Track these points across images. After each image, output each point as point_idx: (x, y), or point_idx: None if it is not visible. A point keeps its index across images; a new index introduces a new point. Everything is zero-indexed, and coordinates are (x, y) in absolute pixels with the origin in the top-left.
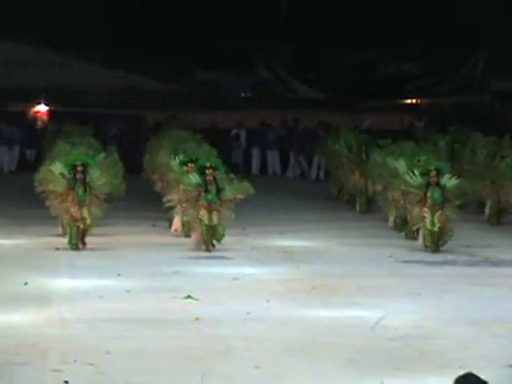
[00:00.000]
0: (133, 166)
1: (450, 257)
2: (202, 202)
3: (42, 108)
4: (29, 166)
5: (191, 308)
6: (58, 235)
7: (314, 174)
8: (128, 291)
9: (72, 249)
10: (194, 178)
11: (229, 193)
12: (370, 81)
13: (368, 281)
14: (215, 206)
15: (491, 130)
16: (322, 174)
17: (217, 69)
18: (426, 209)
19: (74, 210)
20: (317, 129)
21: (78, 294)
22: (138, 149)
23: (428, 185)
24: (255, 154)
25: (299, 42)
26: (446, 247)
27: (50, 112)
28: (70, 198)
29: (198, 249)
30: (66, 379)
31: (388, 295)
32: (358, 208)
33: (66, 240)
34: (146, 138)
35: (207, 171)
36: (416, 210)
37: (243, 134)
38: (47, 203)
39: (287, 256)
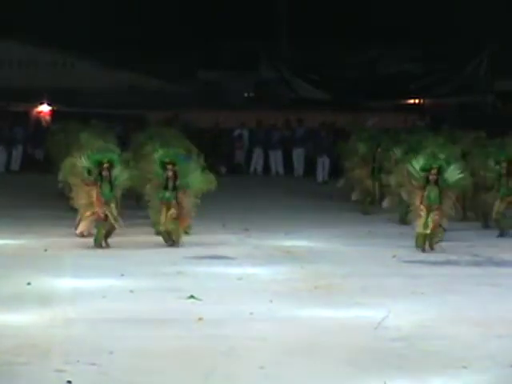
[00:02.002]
0: None
1: (452, 257)
2: (162, 200)
3: (44, 108)
4: (37, 166)
5: (194, 308)
6: (67, 235)
7: (320, 177)
8: (131, 291)
9: (96, 247)
10: (158, 169)
11: (193, 185)
12: (370, 81)
13: (371, 281)
14: (173, 204)
15: (494, 130)
16: (325, 175)
17: (219, 69)
18: (422, 207)
19: (100, 210)
20: (319, 129)
21: (81, 294)
22: None
23: (427, 182)
24: (258, 154)
25: (299, 41)
26: (448, 247)
27: (52, 112)
28: (95, 195)
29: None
30: (69, 379)
31: (391, 295)
32: (362, 207)
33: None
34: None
35: (168, 166)
36: (415, 204)
37: (246, 134)
38: (71, 195)
39: (290, 256)
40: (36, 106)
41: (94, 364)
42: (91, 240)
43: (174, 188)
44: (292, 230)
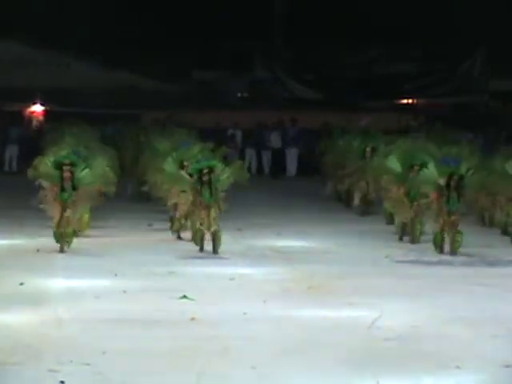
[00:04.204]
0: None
1: (445, 257)
2: (58, 201)
3: (37, 108)
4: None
5: (187, 308)
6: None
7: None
8: (124, 291)
9: (200, 252)
10: (54, 173)
11: (87, 184)
12: (369, 81)
13: (364, 281)
14: (70, 204)
15: (488, 130)
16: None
17: (216, 69)
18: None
19: (202, 215)
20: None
21: (74, 294)
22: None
23: (447, 188)
24: (251, 154)
25: (299, 42)
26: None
27: (46, 112)
28: (197, 201)
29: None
30: (62, 379)
31: (384, 295)
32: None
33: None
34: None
35: (64, 167)
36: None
37: (239, 134)
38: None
39: (283, 256)
40: (29, 106)
41: (87, 364)
42: (86, 240)
43: (74, 189)
44: (285, 230)
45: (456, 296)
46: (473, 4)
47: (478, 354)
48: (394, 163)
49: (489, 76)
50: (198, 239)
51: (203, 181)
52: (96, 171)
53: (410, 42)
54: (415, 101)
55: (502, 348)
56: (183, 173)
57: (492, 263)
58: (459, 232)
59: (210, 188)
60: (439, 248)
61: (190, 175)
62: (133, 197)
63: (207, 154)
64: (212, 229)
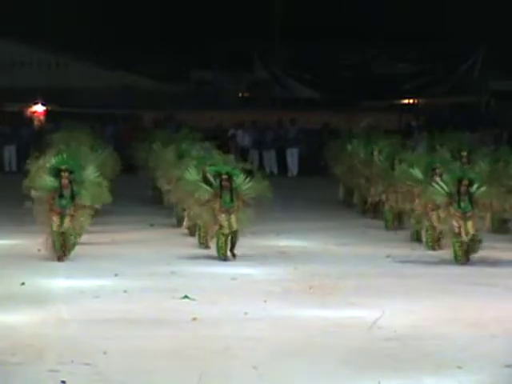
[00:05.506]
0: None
1: (446, 256)
2: (56, 207)
3: (38, 108)
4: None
5: (188, 308)
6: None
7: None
8: (125, 291)
9: (221, 259)
10: (50, 181)
11: (85, 198)
12: (367, 81)
13: (365, 281)
14: (68, 212)
15: (487, 130)
16: None
17: (215, 69)
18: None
19: (221, 218)
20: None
21: (75, 294)
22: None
23: (458, 194)
24: (253, 154)
25: (298, 41)
26: (443, 247)
27: (47, 112)
28: (217, 205)
29: (50, 256)
30: (63, 379)
31: (385, 295)
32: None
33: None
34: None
35: (62, 174)
36: (444, 220)
37: (240, 134)
38: (186, 211)
39: (284, 256)
40: (30, 106)
41: (88, 364)
42: (86, 240)
43: (72, 197)
44: (285, 231)
45: (457, 296)
46: (473, 4)
47: (478, 354)
48: (415, 171)
49: (489, 76)
50: (219, 246)
51: (223, 185)
52: (88, 180)
53: (410, 41)
54: (415, 101)
55: (504, 348)
56: (203, 184)
57: (493, 263)
58: (478, 240)
59: (231, 193)
60: (459, 257)
61: (207, 179)
62: (146, 199)
63: (229, 162)
64: (233, 231)
